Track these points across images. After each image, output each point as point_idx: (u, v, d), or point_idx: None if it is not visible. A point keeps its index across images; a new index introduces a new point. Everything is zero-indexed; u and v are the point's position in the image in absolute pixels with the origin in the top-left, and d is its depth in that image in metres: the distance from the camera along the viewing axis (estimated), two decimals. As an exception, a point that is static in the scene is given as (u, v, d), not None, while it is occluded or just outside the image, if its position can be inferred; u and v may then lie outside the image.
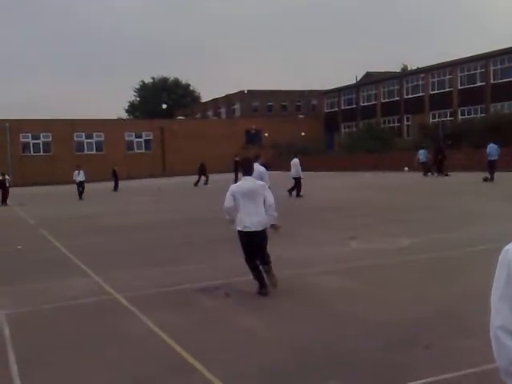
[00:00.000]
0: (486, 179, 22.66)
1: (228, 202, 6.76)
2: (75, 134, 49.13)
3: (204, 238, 11.90)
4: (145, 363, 4.79)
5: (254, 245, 6.73)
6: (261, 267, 6.79)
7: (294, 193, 20.29)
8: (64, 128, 47.69)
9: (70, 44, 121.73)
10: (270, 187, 8.74)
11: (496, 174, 22.87)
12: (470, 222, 11.96)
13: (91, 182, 40.63)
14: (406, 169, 34.31)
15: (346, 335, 5.16)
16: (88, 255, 10.33)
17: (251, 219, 6.63)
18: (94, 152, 49.33)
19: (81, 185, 25.49)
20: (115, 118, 66.60)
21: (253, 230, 6.64)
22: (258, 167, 10.43)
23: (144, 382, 4.45)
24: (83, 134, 49.49)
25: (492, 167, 23.04)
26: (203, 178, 33.34)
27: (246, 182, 6.87)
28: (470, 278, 7.08)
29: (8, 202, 24.07)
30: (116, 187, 31.73)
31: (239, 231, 6.79)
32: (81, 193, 25.27)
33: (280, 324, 5.69)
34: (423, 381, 3.99)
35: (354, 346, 4.85)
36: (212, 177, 35.98)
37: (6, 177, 24.81)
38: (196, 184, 32.22)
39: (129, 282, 7.94)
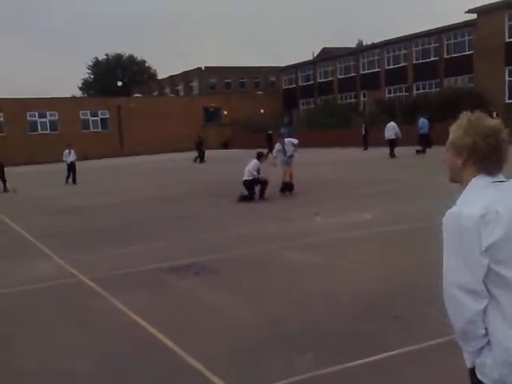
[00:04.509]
0: (418, 151, 24.15)
1: None
2: (28, 114, 47.64)
3: (169, 216, 11.87)
4: (117, 343, 4.79)
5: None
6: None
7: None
8: (16, 107, 46.09)
9: (19, 19, 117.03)
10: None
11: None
12: (427, 195, 12.27)
13: (45, 164, 39.73)
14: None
15: (316, 308, 5.26)
16: (49, 237, 10.13)
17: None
18: (49, 132, 48.02)
19: (72, 166, 22.22)
20: (69, 96, 64.67)
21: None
22: (292, 140, 14.24)
23: (117, 360, 4.43)
24: (36, 113, 48.01)
25: (423, 140, 24.70)
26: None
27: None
28: (433, 250, 7.27)
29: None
30: (201, 158, 31.88)
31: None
32: (74, 176, 22.03)
33: (249, 301, 5.75)
34: (396, 352, 4.10)
35: (325, 318, 4.96)
36: (170, 155, 35.50)
37: None
38: (195, 160, 32.20)
39: (94, 263, 7.84)
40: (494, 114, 25.09)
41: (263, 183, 13.29)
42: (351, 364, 3.95)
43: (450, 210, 1.84)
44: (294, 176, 14.14)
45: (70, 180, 22.30)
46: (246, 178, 13.31)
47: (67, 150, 22.88)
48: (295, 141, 14.26)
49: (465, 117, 1.93)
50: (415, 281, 5.90)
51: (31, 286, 6.87)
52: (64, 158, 22.98)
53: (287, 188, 13.99)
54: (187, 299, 5.96)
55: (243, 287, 6.25)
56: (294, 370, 3.92)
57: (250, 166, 13.34)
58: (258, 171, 13.36)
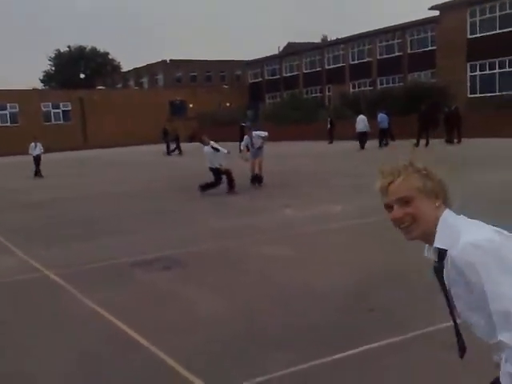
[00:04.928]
0: (380, 145, 25.03)
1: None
2: (-13, 106, 46.28)
3: (137, 210, 11.64)
4: (89, 342, 4.61)
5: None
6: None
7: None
8: (-26, 99, 44.73)
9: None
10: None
11: (407, 141, 24.38)
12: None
13: (4, 157, 38.59)
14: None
15: (292, 302, 5.19)
16: (12, 232, 9.81)
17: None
18: (9, 124, 46.75)
19: (38, 159, 21.75)
20: (30, 88, 63.01)
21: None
22: (259, 133, 14.32)
23: (93, 360, 4.27)
24: (-4, 105, 46.68)
25: (383, 134, 25.36)
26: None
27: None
28: (406, 243, 7.32)
29: None
30: (173, 150, 31.24)
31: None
32: (38, 169, 21.57)
33: (223, 295, 5.64)
34: (376, 344, 4.06)
35: (302, 312, 4.89)
36: (135, 148, 34.82)
37: None
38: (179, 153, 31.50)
39: (60, 258, 7.60)
40: (453, 107, 25.58)
41: (228, 175, 13.02)
42: (331, 358, 3.88)
43: (463, 246, 1.59)
44: (264, 168, 14.09)
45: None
46: (209, 165, 13.17)
47: (33, 143, 22.24)
48: (263, 133, 14.25)
49: (404, 164, 1.76)
50: (388, 273, 5.91)
51: (-6, 282, 6.62)
52: (30, 151, 22.25)
53: (256, 180, 13.96)
54: (159, 294, 5.81)
55: (216, 281, 6.15)
56: (274, 366, 3.84)
57: (209, 156, 13.15)
58: (217, 150, 13.01)
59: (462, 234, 1.64)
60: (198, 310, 5.22)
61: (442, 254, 1.69)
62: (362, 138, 24.98)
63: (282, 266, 6.55)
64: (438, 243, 1.69)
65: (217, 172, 13.06)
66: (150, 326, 4.83)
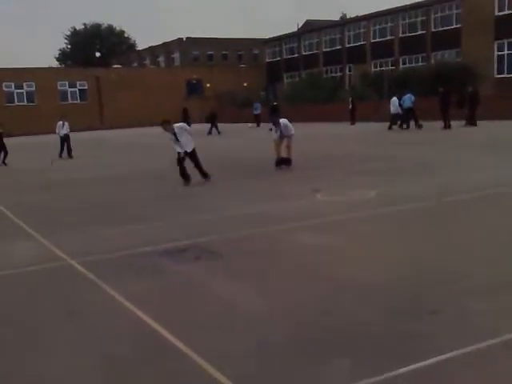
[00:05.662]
0: (419, 126, 25.02)
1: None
2: (4, 84, 45.90)
3: (159, 194, 11.14)
4: (115, 342, 4.14)
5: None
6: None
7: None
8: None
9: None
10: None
11: (430, 123, 24.32)
12: (431, 171, 11.78)
13: (22, 136, 38.35)
14: (250, 125, 35.88)
15: (342, 301, 4.63)
16: (32, 215, 9.39)
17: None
18: (25, 103, 46.42)
19: (66, 139, 20.73)
20: (46, 66, 62.62)
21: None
22: (288, 125, 13.42)
23: (120, 364, 3.80)
24: (12, 83, 46.26)
25: (407, 115, 25.36)
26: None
27: None
28: (451, 229, 6.78)
29: None
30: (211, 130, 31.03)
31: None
32: (69, 149, 20.78)
33: (261, 291, 5.13)
34: (448, 355, 3.51)
35: (354, 313, 4.34)
36: (152, 129, 34.30)
37: None
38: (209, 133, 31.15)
39: (83, 245, 7.14)
40: (470, 89, 24.61)
41: (194, 161, 11.93)
42: (395, 373, 3.34)
43: None
44: (292, 150, 13.53)
45: (64, 154, 20.77)
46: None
47: (61, 122, 21.12)
48: (291, 129, 13.43)
49: None
50: (443, 266, 5.36)
51: (10, 271, 6.16)
52: (57, 131, 21.16)
53: (281, 163, 13.39)
54: (191, 288, 5.31)
55: (252, 273, 5.63)
56: (329, 381, 3.34)
57: (173, 143, 11.93)
58: (177, 138, 11.67)
59: None
60: (237, 308, 4.69)
61: None
62: (396, 119, 25.47)
63: (325, 257, 6.01)
64: None
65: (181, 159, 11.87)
66: (185, 324, 4.34)
